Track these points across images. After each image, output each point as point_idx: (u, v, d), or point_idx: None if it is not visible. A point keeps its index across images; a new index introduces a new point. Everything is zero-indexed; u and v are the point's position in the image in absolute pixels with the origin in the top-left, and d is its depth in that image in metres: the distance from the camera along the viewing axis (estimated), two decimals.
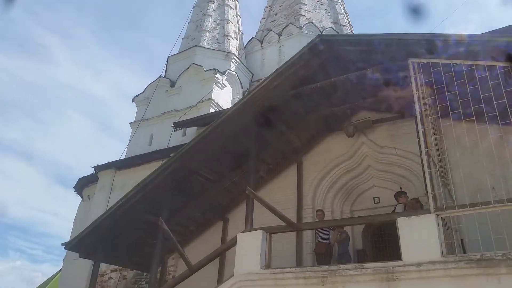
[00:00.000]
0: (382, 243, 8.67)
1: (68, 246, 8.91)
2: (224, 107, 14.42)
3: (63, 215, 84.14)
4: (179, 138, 13.63)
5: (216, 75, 14.49)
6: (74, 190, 15.77)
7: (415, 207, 7.13)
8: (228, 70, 15.36)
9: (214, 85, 14.29)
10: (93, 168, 13.88)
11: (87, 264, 12.12)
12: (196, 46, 16.64)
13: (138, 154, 13.39)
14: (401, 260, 5.49)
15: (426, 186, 5.89)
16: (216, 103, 14.08)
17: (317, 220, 8.56)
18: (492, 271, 4.83)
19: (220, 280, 9.63)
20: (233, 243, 7.14)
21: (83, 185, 15.21)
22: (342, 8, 21.03)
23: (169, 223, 9.65)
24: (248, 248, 6.78)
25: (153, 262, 8.17)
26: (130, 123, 15.64)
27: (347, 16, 21.13)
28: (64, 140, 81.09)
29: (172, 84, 15.43)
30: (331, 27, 19.03)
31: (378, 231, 8.85)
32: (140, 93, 16.18)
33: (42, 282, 30.63)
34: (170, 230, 10.03)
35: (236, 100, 15.29)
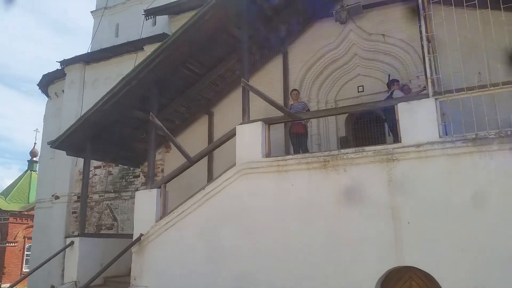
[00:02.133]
0: (362, 131, 9.17)
1: (54, 144, 8.68)
2: None
3: (8, 115, 79.94)
4: (149, 28, 12.66)
5: None
6: (38, 88, 14.82)
7: (407, 93, 7.39)
8: None
9: None
10: (59, 63, 12.88)
11: (66, 162, 12.07)
12: None
13: (107, 47, 12.44)
14: (400, 142, 5.82)
15: (426, 71, 6.01)
16: None
17: (291, 100, 8.71)
18: (485, 148, 5.28)
19: (210, 172, 10.02)
20: (232, 134, 7.22)
21: (48, 82, 14.26)
22: None
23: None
24: (248, 138, 6.90)
25: (149, 155, 8.24)
26: (91, 11, 14.16)
27: None
28: (1, 35, 73.12)
29: None
30: None
31: (360, 119, 9.26)
32: None
33: (6, 184, 30.34)
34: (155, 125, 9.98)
35: None
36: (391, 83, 7.38)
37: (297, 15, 9.31)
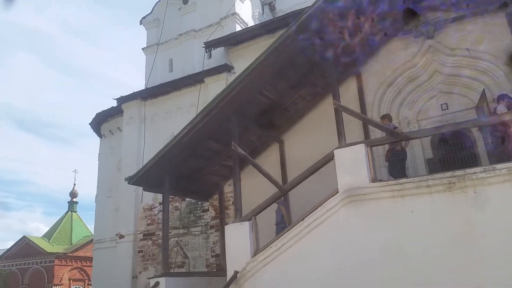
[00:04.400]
0: (448, 152, 8.60)
1: (131, 180, 8.40)
2: (249, 24, 13.27)
3: (30, 159, 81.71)
4: (204, 60, 12.57)
5: None
6: (90, 126, 14.87)
7: None
8: None
9: None
10: (116, 100, 12.91)
11: (129, 200, 11.80)
12: None
13: (166, 82, 12.39)
14: None
15: None
16: (241, 19, 12.86)
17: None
18: None
19: (286, 198, 9.48)
20: (328, 159, 6.78)
21: (101, 121, 14.28)
22: None
23: (230, 148, 9.25)
24: (350, 163, 6.44)
25: (235, 186, 7.94)
26: (142, 48, 14.31)
27: None
28: (16, 82, 75.93)
29: (185, 1, 13.90)
30: None
31: (443, 140, 8.70)
32: (148, 14, 14.62)
33: (47, 229, 30.07)
34: (229, 156, 9.66)
35: (257, 14, 14.09)
36: (501, 98, 6.84)
37: (372, 35, 9.01)
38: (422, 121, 9.09)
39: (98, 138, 14.96)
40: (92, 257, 27.33)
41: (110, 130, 14.15)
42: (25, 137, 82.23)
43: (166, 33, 13.85)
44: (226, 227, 7.41)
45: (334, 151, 6.67)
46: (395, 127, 7.66)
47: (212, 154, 9.22)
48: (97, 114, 14.15)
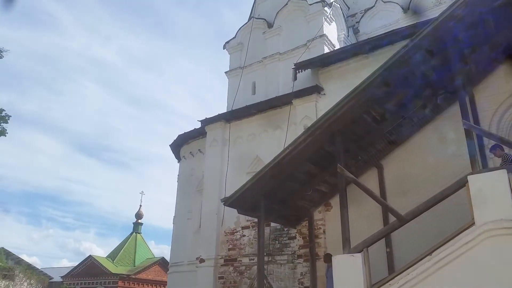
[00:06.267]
0: None
1: (227, 202, 8.04)
2: (336, 46, 12.89)
3: (88, 182, 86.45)
4: (289, 83, 12.28)
5: (325, 8, 12.78)
6: (170, 148, 15.04)
7: None
8: (333, 2, 13.56)
9: (323, 20, 12.64)
10: (200, 122, 12.90)
11: (211, 223, 11.49)
12: None
13: (251, 104, 12.21)
14: None
15: None
16: (329, 41, 12.52)
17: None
18: None
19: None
20: (460, 185, 5.95)
21: (182, 143, 14.35)
22: None
23: (326, 171, 8.70)
24: (489, 191, 5.58)
25: (342, 213, 7.10)
26: (225, 72, 14.41)
27: None
28: (81, 109, 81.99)
29: (269, 25, 13.88)
30: None
31: None
32: (232, 39, 14.77)
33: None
34: (323, 180, 9.08)
35: (342, 37, 13.67)
36: None
37: (491, 54, 8.17)
38: None
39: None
40: (154, 280, 27.72)
41: (190, 152, 14.14)
42: (85, 160, 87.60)
43: (250, 57, 13.83)
44: (334, 258, 6.70)
45: (468, 177, 5.83)
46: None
47: (307, 178, 8.67)
48: (179, 136, 14.25)
